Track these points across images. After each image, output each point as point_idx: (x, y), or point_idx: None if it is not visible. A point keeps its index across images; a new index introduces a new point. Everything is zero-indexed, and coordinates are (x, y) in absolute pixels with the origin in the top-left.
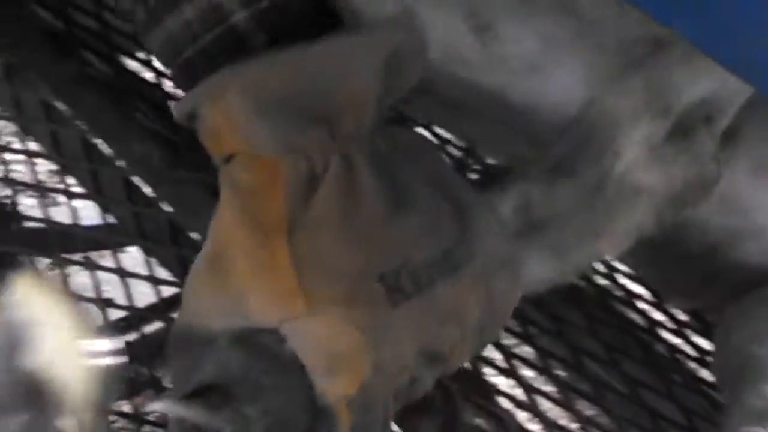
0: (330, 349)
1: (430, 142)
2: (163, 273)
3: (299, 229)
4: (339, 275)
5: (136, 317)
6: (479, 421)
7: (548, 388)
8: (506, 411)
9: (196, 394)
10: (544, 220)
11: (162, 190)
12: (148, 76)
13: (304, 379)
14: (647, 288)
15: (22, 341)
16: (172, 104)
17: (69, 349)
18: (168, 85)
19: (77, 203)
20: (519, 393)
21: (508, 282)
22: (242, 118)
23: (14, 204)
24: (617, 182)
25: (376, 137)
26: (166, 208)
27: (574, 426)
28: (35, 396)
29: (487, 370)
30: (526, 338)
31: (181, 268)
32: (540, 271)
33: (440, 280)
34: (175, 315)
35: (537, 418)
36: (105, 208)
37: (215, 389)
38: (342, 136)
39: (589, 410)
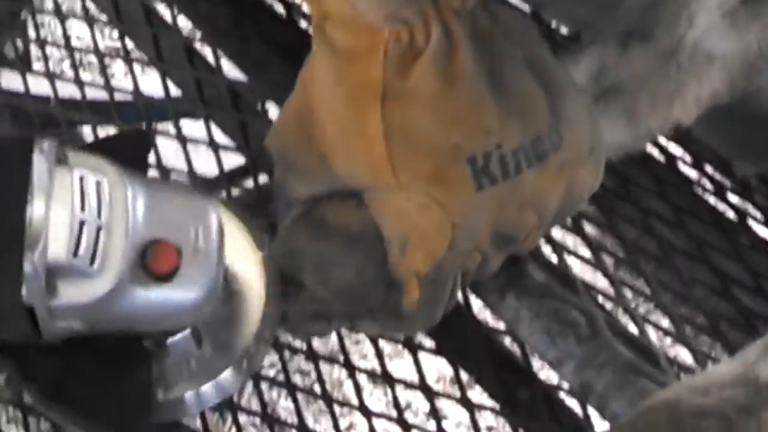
0: (411, 223)
1: (530, 20)
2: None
3: (394, 99)
4: (429, 151)
5: (197, 187)
6: (544, 278)
7: (615, 248)
8: (571, 269)
9: None
10: (619, 85)
11: (226, 48)
12: None
13: (373, 252)
14: (715, 151)
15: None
16: None
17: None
18: None
19: (138, 74)
20: (585, 252)
21: (591, 170)
22: None
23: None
24: (691, 48)
25: (479, 13)
26: (228, 74)
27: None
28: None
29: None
30: (593, 198)
31: (242, 135)
32: (614, 137)
33: (527, 168)
34: (237, 186)
35: (603, 276)
36: (166, 74)
37: (288, 278)
38: (447, 10)
39: (656, 270)
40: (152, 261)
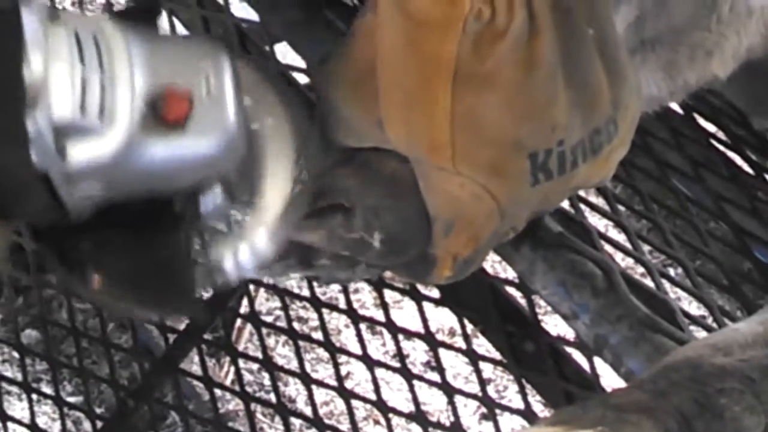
0: (460, 209)
1: None
2: None
3: (466, 82)
4: (492, 142)
5: None
6: (560, 229)
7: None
8: (588, 220)
9: (314, 216)
10: (658, 36)
11: None
12: None
13: (422, 206)
14: (733, 105)
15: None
16: None
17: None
18: None
19: None
20: (601, 203)
21: (627, 145)
22: None
23: None
24: (731, 1)
25: None
26: (236, 13)
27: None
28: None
29: None
30: None
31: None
32: (651, 90)
33: (582, 163)
34: None
35: (619, 228)
36: (173, 13)
37: (334, 212)
38: None
39: (672, 224)
40: (163, 109)
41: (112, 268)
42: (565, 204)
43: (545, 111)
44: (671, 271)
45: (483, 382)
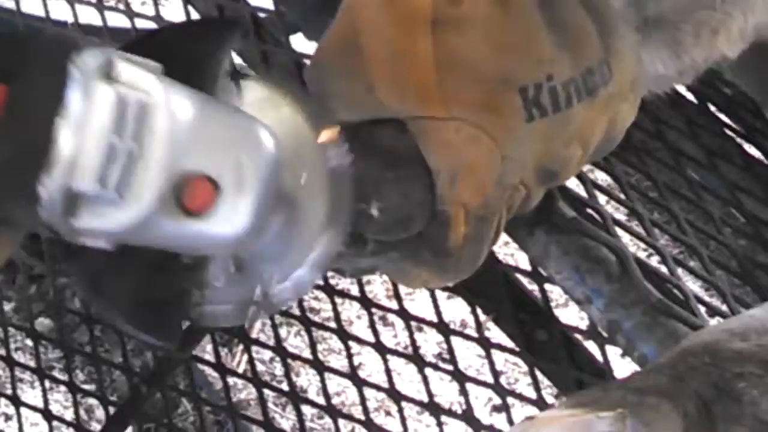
0: (460, 154)
1: None
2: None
3: (445, 24)
4: (479, 79)
5: None
6: (574, 214)
7: (646, 188)
8: (602, 207)
9: None
10: (661, 15)
11: None
12: None
13: (423, 176)
14: (746, 95)
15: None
16: None
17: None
18: None
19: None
20: (616, 191)
21: (631, 105)
22: None
23: None
24: None
25: None
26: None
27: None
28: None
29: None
30: (625, 137)
31: (263, 65)
32: (658, 69)
33: (577, 102)
34: None
35: (633, 217)
36: (188, 1)
37: None
38: None
39: (686, 212)
40: (185, 196)
41: (109, 288)
42: (580, 190)
43: (526, 44)
44: (684, 258)
45: (495, 372)
